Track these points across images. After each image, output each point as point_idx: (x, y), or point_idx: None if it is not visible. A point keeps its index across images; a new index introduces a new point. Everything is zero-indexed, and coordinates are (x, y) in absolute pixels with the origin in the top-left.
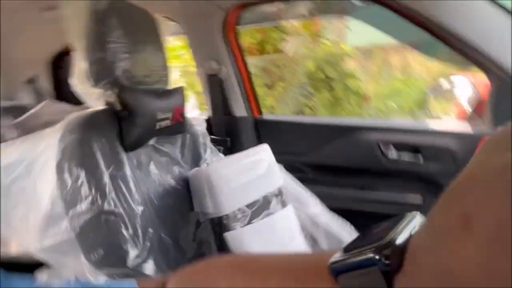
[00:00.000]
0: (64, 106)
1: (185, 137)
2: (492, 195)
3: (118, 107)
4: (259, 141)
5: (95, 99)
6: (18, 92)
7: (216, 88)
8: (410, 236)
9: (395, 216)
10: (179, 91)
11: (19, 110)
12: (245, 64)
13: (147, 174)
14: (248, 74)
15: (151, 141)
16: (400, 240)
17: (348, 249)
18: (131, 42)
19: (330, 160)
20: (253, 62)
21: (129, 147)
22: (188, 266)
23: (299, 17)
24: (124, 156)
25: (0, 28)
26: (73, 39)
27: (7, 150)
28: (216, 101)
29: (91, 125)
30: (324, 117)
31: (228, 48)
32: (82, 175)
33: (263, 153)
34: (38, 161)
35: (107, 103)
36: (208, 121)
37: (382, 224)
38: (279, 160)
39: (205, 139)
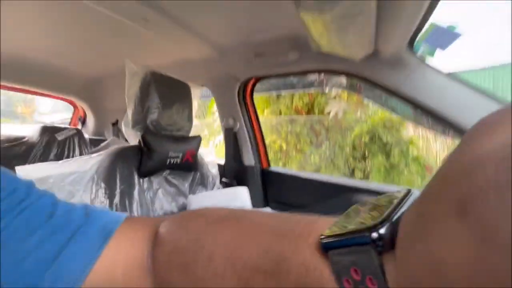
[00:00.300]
0: (122, 141)
1: (196, 175)
2: (492, 181)
3: (142, 144)
4: (264, 189)
5: (132, 138)
6: (105, 131)
7: (231, 140)
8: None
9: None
10: (194, 139)
11: (101, 142)
12: (257, 122)
13: (154, 198)
14: (260, 130)
15: (164, 174)
16: (394, 218)
17: (341, 223)
18: (163, 101)
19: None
20: (301, 121)
21: (142, 174)
22: (182, 213)
23: (339, 87)
24: (136, 180)
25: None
26: (127, 97)
27: (72, 164)
28: (229, 150)
29: (119, 154)
30: (327, 176)
31: (242, 108)
32: (103, 186)
33: (240, 194)
34: (85, 174)
35: (138, 142)
36: (222, 166)
37: (377, 199)
38: (277, 208)
39: (214, 180)
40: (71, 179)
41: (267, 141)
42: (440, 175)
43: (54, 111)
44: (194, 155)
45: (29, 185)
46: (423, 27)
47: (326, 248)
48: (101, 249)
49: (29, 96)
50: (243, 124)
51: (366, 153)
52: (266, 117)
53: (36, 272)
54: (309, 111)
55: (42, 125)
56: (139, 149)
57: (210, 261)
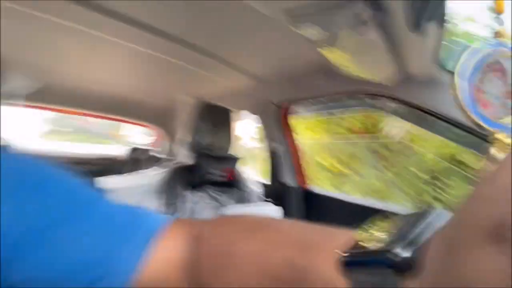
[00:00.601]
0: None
1: (236, 191)
2: None
3: (191, 162)
4: (305, 210)
5: (185, 157)
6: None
7: (273, 161)
8: (431, 239)
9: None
10: (234, 158)
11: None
12: (297, 143)
13: (197, 210)
14: (299, 151)
15: (212, 192)
16: (420, 240)
17: (361, 239)
18: (208, 125)
19: None
20: (358, 142)
21: (190, 187)
22: (220, 217)
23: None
24: (184, 192)
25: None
26: (182, 123)
27: (144, 176)
28: (271, 171)
29: (174, 171)
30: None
31: (281, 131)
32: (159, 197)
33: (270, 212)
34: (148, 186)
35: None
36: (264, 185)
37: (406, 217)
38: None
39: (254, 197)
40: (135, 191)
41: (319, 161)
42: (473, 199)
43: (139, 135)
44: (234, 172)
45: (87, 184)
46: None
47: (347, 265)
48: (147, 251)
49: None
50: (283, 145)
51: (443, 179)
52: (318, 138)
53: (91, 269)
54: (367, 131)
55: (131, 147)
56: (188, 167)
57: (238, 268)
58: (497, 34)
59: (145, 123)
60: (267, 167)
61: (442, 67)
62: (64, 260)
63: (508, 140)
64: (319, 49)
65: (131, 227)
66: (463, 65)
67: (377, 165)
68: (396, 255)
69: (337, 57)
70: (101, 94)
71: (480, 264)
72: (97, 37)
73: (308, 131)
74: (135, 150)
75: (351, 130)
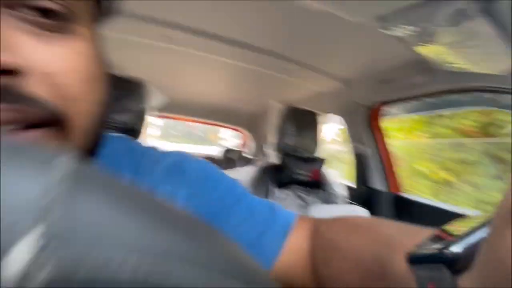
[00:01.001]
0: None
1: (322, 192)
2: None
3: (280, 162)
4: (396, 216)
5: (273, 158)
6: (262, 153)
7: (360, 164)
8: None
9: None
10: (320, 160)
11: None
12: (387, 146)
13: (288, 207)
14: (388, 155)
15: (295, 188)
16: (472, 239)
17: (430, 240)
18: (295, 128)
19: None
20: (473, 146)
21: (278, 185)
22: (335, 217)
23: None
24: (272, 189)
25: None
26: (271, 126)
27: (238, 173)
28: (358, 174)
29: (264, 170)
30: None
31: (370, 134)
32: (255, 193)
33: (357, 214)
34: (242, 182)
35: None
36: (350, 188)
37: (469, 218)
38: None
39: (339, 199)
40: None
41: (421, 169)
42: None
43: (231, 137)
44: (319, 173)
45: (237, 182)
46: None
47: (411, 262)
48: (283, 241)
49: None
50: (372, 149)
51: None
52: (418, 141)
53: (249, 247)
54: (483, 131)
55: (226, 148)
56: (276, 167)
57: (341, 261)
58: None
59: (237, 127)
60: (355, 171)
61: None
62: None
63: None
64: (413, 47)
65: (272, 219)
66: None
67: (497, 173)
68: (451, 252)
69: (437, 53)
70: (202, 103)
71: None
72: (199, 56)
73: (404, 133)
74: (229, 151)
75: (461, 131)
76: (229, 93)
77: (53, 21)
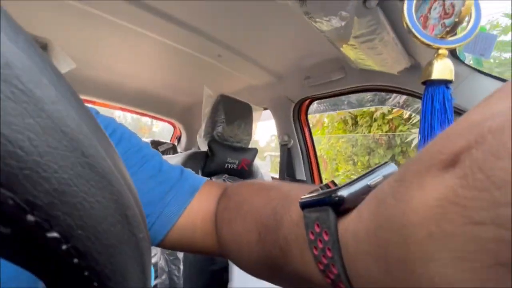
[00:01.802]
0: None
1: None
2: (495, 128)
3: (208, 150)
4: None
5: (203, 146)
6: (193, 147)
7: (285, 155)
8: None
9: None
10: (250, 150)
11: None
12: (312, 140)
13: None
14: (313, 147)
15: (223, 177)
16: (358, 185)
17: (321, 188)
18: (228, 117)
19: None
20: (380, 152)
21: (205, 173)
22: (243, 181)
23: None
24: (206, 178)
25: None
26: (203, 115)
27: None
28: (283, 165)
29: (190, 156)
30: None
31: (296, 126)
32: None
33: None
34: None
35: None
36: (275, 178)
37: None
38: None
39: None
40: None
41: (341, 171)
42: (440, 134)
43: (163, 130)
44: (249, 164)
45: (148, 146)
46: None
47: (302, 206)
48: (189, 201)
49: (149, 121)
50: (297, 141)
51: None
52: (340, 146)
53: (147, 206)
54: (390, 141)
55: (150, 139)
56: (205, 154)
57: (244, 220)
58: None
59: (170, 119)
60: (280, 162)
61: (455, 55)
62: None
63: (445, 51)
64: (335, 44)
65: (179, 180)
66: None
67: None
68: (336, 195)
69: (347, 50)
70: (129, 87)
71: (430, 191)
72: (126, 28)
73: (325, 127)
74: (154, 142)
75: (374, 139)
76: (161, 78)
77: None
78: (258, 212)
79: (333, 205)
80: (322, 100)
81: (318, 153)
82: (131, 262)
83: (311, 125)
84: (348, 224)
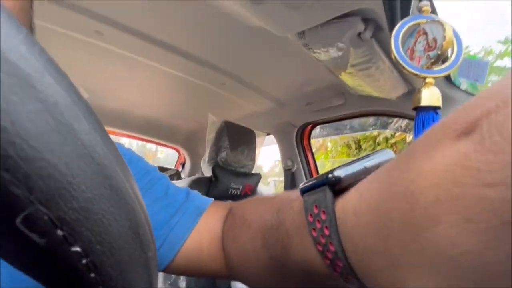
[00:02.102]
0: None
1: None
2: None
3: (211, 176)
4: None
5: (207, 171)
6: (197, 173)
7: (289, 179)
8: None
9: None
10: (254, 175)
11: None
12: (315, 163)
13: None
14: (317, 171)
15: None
16: (356, 167)
17: (320, 175)
18: (231, 143)
19: None
20: None
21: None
22: (247, 199)
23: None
24: None
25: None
26: (207, 141)
27: None
28: (287, 189)
29: (195, 182)
30: None
31: (299, 151)
32: None
33: None
34: None
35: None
36: None
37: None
38: None
39: None
40: None
41: None
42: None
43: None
44: (253, 189)
45: (155, 169)
46: None
47: (302, 192)
48: (195, 224)
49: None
50: (300, 165)
51: None
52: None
53: (154, 230)
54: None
55: (156, 166)
56: (209, 179)
57: (249, 229)
58: (421, 10)
59: (174, 146)
60: (284, 186)
61: (450, 82)
62: None
63: (432, 80)
64: (333, 73)
65: (185, 202)
66: (397, 32)
67: None
68: (333, 175)
69: (345, 77)
70: (135, 115)
71: (440, 158)
72: (134, 60)
73: (329, 152)
74: (160, 168)
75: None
76: (167, 106)
77: None
78: (262, 218)
79: (330, 185)
80: (324, 125)
81: None
82: (140, 279)
83: (314, 150)
84: (347, 202)
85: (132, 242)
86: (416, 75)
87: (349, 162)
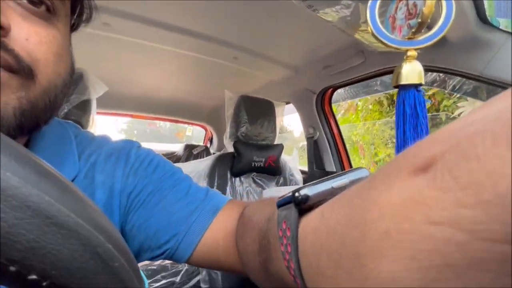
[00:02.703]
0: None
1: (280, 178)
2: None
3: (234, 151)
4: None
5: (229, 147)
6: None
7: (311, 147)
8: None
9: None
10: (276, 146)
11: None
12: (338, 129)
13: (243, 194)
14: (341, 137)
15: (252, 175)
16: (323, 186)
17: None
18: (250, 117)
19: None
20: None
21: (234, 174)
22: (259, 199)
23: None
24: (229, 178)
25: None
26: (227, 117)
27: (192, 165)
28: (311, 158)
29: (218, 158)
30: None
31: (321, 117)
32: (208, 180)
33: None
34: (202, 172)
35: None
36: (305, 172)
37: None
38: None
39: (297, 184)
40: (192, 175)
41: (381, 156)
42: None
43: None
44: (276, 160)
45: (180, 170)
46: None
47: (278, 206)
48: (211, 220)
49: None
50: (323, 132)
51: None
52: (378, 130)
53: (175, 226)
54: (434, 119)
55: (185, 143)
56: (233, 155)
57: (252, 231)
58: None
59: (200, 123)
60: (308, 154)
61: (486, 22)
62: (160, 215)
63: (414, 53)
64: (346, 32)
65: (203, 201)
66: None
67: None
68: (299, 194)
69: (366, 35)
70: (157, 98)
71: (397, 191)
72: (150, 47)
73: (359, 111)
74: (188, 146)
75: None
76: (186, 86)
77: (40, 9)
78: (260, 222)
79: (296, 203)
80: (352, 85)
81: (354, 139)
82: (110, 285)
83: (343, 111)
84: (309, 222)
85: (91, 261)
86: (397, 49)
87: (318, 181)
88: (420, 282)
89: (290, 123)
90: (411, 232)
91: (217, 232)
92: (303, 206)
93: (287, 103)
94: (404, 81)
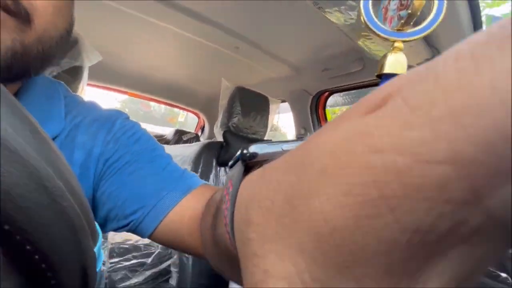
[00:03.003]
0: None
1: None
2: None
3: (222, 140)
4: None
5: (219, 136)
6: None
7: None
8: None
9: None
10: (265, 142)
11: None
12: None
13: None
14: None
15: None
16: (276, 145)
17: None
18: (243, 109)
19: None
20: None
21: (219, 163)
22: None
23: None
24: (214, 165)
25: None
26: (220, 106)
27: (178, 149)
28: None
29: (207, 146)
30: None
31: (314, 120)
32: (193, 165)
33: None
34: (188, 157)
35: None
36: None
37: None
38: None
39: None
40: (177, 159)
41: None
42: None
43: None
44: None
45: (162, 148)
46: (481, 21)
47: (230, 167)
48: (181, 198)
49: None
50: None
51: None
52: None
53: (144, 198)
54: None
55: (176, 128)
56: (221, 144)
57: (212, 207)
58: None
59: (193, 110)
60: None
61: None
62: (131, 185)
63: (401, 44)
64: (349, 36)
65: (177, 180)
66: None
67: None
68: (248, 151)
69: (368, 41)
70: (154, 78)
71: (341, 130)
72: (151, 23)
73: None
74: (178, 131)
75: None
76: (184, 70)
77: None
78: (219, 196)
79: (243, 160)
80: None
81: None
82: (56, 225)
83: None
84: (252, 175)
85: (35, 192)
86: (385, 39)
87: (272, 142)
88: (352, 220)
89: (285, 124)
90: (349, 165)
91: (184, 211)
92: (249, 162)
93: (283, 101)
94: (387, 70)
